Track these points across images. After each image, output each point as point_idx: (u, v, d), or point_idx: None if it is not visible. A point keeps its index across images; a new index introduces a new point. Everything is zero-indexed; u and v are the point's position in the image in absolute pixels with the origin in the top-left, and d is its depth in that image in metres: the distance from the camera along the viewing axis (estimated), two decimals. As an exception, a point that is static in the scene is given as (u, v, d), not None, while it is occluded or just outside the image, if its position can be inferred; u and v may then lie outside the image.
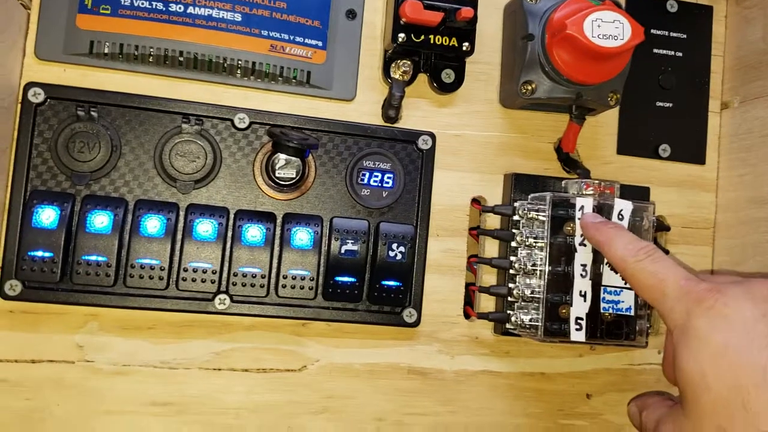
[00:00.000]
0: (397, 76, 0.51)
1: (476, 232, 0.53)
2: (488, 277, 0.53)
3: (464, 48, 0.50)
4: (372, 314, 0.50)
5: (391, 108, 0.51)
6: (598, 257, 0.49)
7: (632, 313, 0.50)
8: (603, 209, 0.50)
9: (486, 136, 0.54)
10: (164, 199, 0.48)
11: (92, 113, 0.47)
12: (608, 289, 0.50)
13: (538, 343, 0.53)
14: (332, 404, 0.50)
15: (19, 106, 0.47)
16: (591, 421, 0.54)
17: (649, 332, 0.51)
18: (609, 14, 0.47)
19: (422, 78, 0.52)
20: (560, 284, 0.49)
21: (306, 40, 0.51)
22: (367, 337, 0.51)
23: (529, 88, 0.50)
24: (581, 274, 0.49)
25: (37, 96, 0.47)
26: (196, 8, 0.49)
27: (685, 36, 0.57)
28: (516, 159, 0.54)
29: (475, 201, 0.53)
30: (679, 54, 0.57)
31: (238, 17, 0.49)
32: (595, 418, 0.54)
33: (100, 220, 0.46)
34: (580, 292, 0.49)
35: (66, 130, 0.46)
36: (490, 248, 0.53)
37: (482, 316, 0.51)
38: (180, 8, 0.49)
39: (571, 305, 0.49)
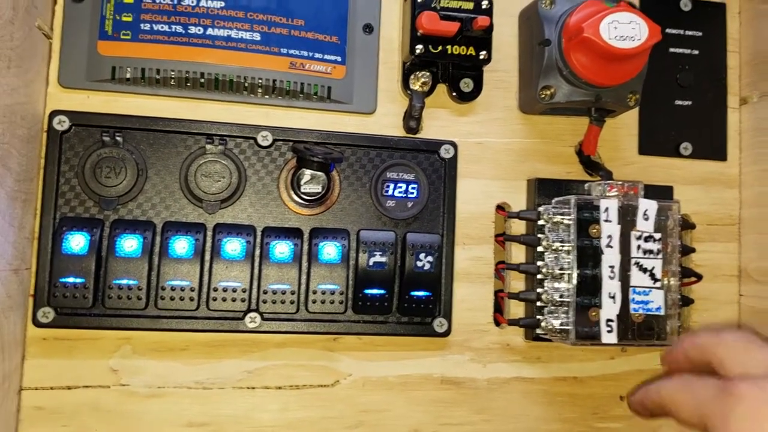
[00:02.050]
0: (416, 88, 0.51)
1: (502, 238, 0.53)
2: (516, 283, 0.53)
3: (482, 57, 0.50)
4: (403, 326, 0.50)
5: (412, 119, 0.51)
6: (625, 258, 0.49)
7: (662, 312, 0.50)
8: (628, 210, 0.50)
9: (507, 143, 0.54)
10: (191, 220, 0.48)
11: (117, 138, 0.47)
12: (637, 289, 0.50)
13: (569, 347, 0.53)
14: (367, 418, 0.50)
15: (45, 134, 0.47)
16: (626, 423, 0.54)
17: (680, 331, 0.51)
18: (625, 15, 0.47)
19: (441, 88, 0.53)
20: (589, 287, 0.49)
21: (325, 56, 0.51)
22: (398, 349, 0.51)
23: (548, 93, 0.51)
24: (609, 276, 0.49)
25: (62, 124, 0.47)
26: (215, 29, 0.49)
27: (700, 34, 0.57)
28: (538, 164, 0.54)
29: (500, 207, 0.53)
30: (696, 52, 0.57)
31: (257, 36, 0.50)
32: (630, 420, 0.54)
33: (130, 244, 0.46)
34: (610, 293, 0.49)
35: (92, 156, 0.47)
36: (517, 254, 0.53)
37: (513, 322, 0.51)
38: (199, 30, 0.49)
39: (601, 308, 0.49)
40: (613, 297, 0.49)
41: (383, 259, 0.49)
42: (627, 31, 0.47)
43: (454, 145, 0.52)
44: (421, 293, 0.49)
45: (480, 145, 0.53)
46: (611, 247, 0.49)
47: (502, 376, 0.52)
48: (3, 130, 0.42)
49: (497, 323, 0.52)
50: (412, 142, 0.52)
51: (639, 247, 0.50)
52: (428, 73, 0.51)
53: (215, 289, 0.47)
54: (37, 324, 0.46)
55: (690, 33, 0.57)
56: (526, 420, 0.52)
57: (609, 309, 0.49)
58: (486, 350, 0.52)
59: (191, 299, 0.46)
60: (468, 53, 0.50)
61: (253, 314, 0.48)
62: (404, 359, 0.51)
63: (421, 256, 0.49)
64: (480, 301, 0.52)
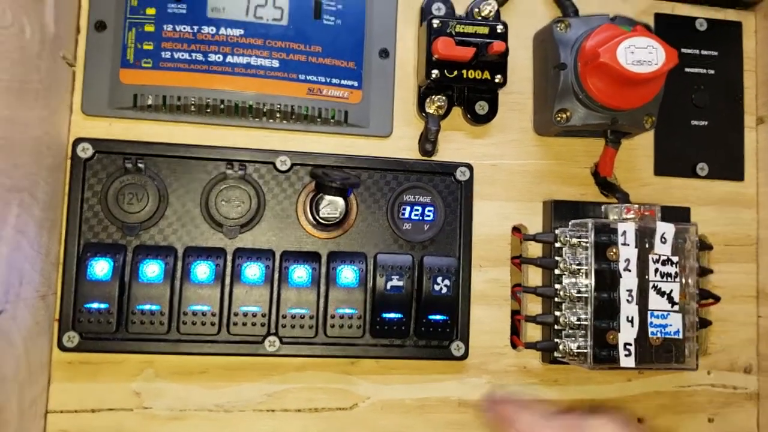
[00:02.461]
0: (432, 111, 0.52)
1: (518, 260, 0.53)
2: (533, 305, 0.53)
3: (497, 80, 0.51)
4: (420, 349, 0.50)
5: (428, 142, 0.52)
6: (643, 282, 0.49)
7: (681, 335, 0.50)
8: (645, 233, 0.50)
9: (522, 164, 0.54)
10: (212, 245, 0.49)
11: (139, 165, 0.48)
12: (655, 313, 0.50)
13: (585, 369, 0.53)
14: (386, 440, 0.50)
15: (69, 161, 0.48)
16: (644, 446, 0.54)
17: (698, 354, 0.51)
18: (642, 40, 0.47)
19: (456, 111, 0.53)
20: (607, 310, 0.49)
21: (342, 81, 0.52)
22: (415, 372, 0.51)
23: (564, 116, 0.51)
24: (627, 300, 0.49)
25: (85, 151, 0.48)
26: (235, 57, 0.50)
27: (716, 53, 0.57)
28: (553, 186, 0.54)
29: (516, 229, 0.54)
30: (711, 71, 0.57)
31: (276, 63, 0.51)
32: (649, 443, 0.54)
33: (152, 269, 0.47)
34: (628, 317, 0.49)
35: (115, 183, 0.48)
36: (533, 276, 0.53)
37: (530, 345, 0.51)
38: (219, 58, 0.50)
39: (619, 331, 0.49)
40: (631, 321, 0.49)
41: (400, 283, 0.49)
42: (644, 55, 0.47)
43: (469, 167, 0.52)
44: (438, 317, 0.50)
45: (495, 167, 0.54)
46: (629, 270, 0.49)
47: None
48: (32, 161, 0.43)
49: (514, 346, 0.53)
50: (428, 164, 0.52)
51: (657, 270, 0.50)
52: (444, 97, 0.52)
53: (236, 314, 0.47)
54: (63, 348, 0.46)
55: (706, 53, 0.57)
56: (543, 442, 0.52)
57: (627, 333, 0.49)
58: (503, 373, 0.52)
59: (212, 324, 0.47)
60: (483, 77, 0.51)
61: (272, 338, 0.49)
62: (421, 382, 0.51)
63: (438, 279, 0.50)
64: (497, 323, 0.52)
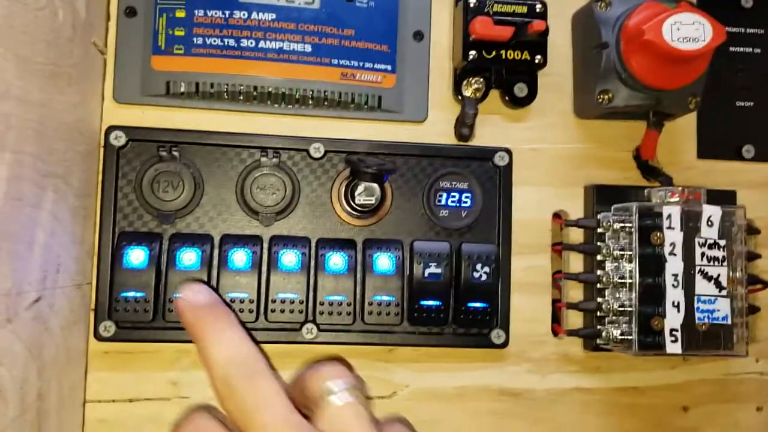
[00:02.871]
0: (469, 94, 0.51)
1: (559, 247, 0.52)
2: (574, 292, 0.52)
3: (537, 61, 0.50)
4: (459, 337, 0.49)
5: (465, 126, 0.50)
6: (689, 266, 0.48)
7: (729, 321, 0.48)
8: (691, 216, 0.48)
9: (563, 149, 0.53)
10: (248, 233, 0.48)
11: (174, 153, 0.47)
12: (702, 297, 0.48)
13: (628, 357, 0.51)
14: (425, 430, 0.49)
15: (101, 149, 0.48)
16: (690, 436, 0.52)
17: (747, 340, 0.49)
18: (688, 16, 0.45)
19: (494, 93, 0.52)
20: (652, 296, 0.48)
21: (375, 65, 0.51)
22: (455, 361, 0.50)
23: (606, 97, 0.49)
24: (673, 285, 0.48)
25: (118, 139, 0.47)
26: (267, 42, 0.49)
27: (762, 31, 0.55)
28: (594, 170, 0.53)
29: (556, 215, 0.52)
30: (758, 50, 0.55)
31: (308, 48, 0.50)
32: (695, 432, 0.52)
33: (188, 257, 0.46)
34: (673, 302, 0.48)
35: (149, 171, 0.47)
36: (574, 263, 0.52)
37: (572, 333, 0.50)
38: (251, 43, 0.49)
39: (665, 317, 0.48)
40: (677, 306, 0.48)
41: (438, 270, 0.48)
42: (690, 32, 0.45)
43: (508, 151, 0.51)
44: (477, 304, 0.48)
45: (535, 151, 0.52)
46: (674, 254, 0.48)
47: (561, 387, 0.51)
48: (66, 147, 0.42)
49: (555, 333, 0.51)
50: (465, 150, 0.51)
51: (703, 254, 0.48)
52: (481, 79, 0.50)
53: (273, 301, 0.47)
54: (99, 338, 0.46)
55: (751, 31, 0.55)
56: (586, 431, 0.51)
57: (673, 318, 0.48)
58: (544, 361, 0.51)
59: (250, 311, 0.46)
60: (523, 58, 0.49)
61: (309, 325, 0.48)
62: (461, 371, 0.50)
63: (478, 266, 0.48)
64: (537, 311, 0.51)
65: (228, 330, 0.34)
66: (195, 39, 0.49)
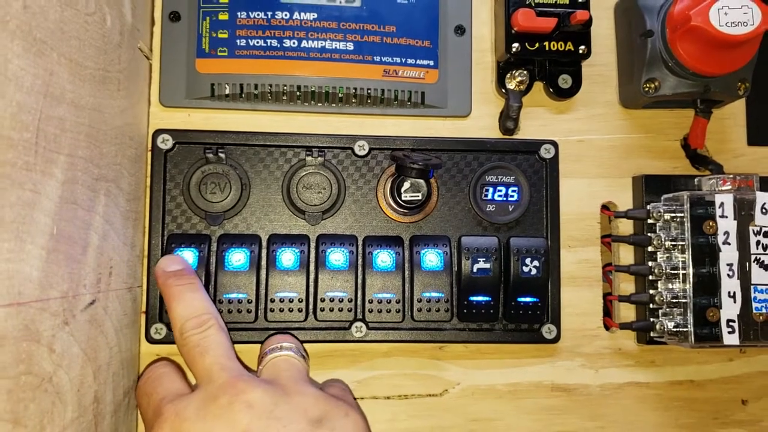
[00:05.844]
0: (512, 87, 0.50)
1: (609, 239, 0.51)
2: (625, 285, 0.51)
3: (581, 51, 0.49)
4: (510, 333, 0.49)
5: (509, 119, 0.50)
6: (744, 255, 0.47)
7: (788, 311, 0.47)
8: (744, 204, 0.47)
9: (609, 139, 0.52)
10: (295, 232, 0.48)
11: (220, 154, 0.48)
12: (759, 287, 0.47)
13: (683, 350, 0.50)
14: (478, 427, 0.49)
15: (149, 153, 0.48)
16: (750, 429, 0.51)
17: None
18: (735, 0, 0.45)
19: (537, 86, 0.51)
20: (706, 286, 0.47)
21: (418, 61, 0.50)
22: (506, 357, 0.50)
23: (653, 85, 0.49)
24: (728, 275, 0.47)
25: (165, 142, 0.48)
26: (310, 41, 0.49)
27: (811, 14, 0.54)
28: (642, 160, 0.52)
29: (605, 207, 0.51)
30: (807, 33, 0.54)
31: (351, 46, 0.50)
32: (755, 425, 0.51)
33: (237, 258, 0.46)
34: (729, 293, 0.47)
35: (197, 173, 0.48)
36: (624, 255, 0.51)
37: (625, 326, 0.49)
38: (294, 43, 0.49)
39: (720, 308, 0.47)
40: (733, 296, 0.47)
41: (487, 266, 0.48)
42: (738, 16, 0.44)
43: (554, 144, 0.50)
44: (528, 299, 0.48)
45: (581, 143, 0.51)
46: (729, 243, 0.47)
47: (615, 382, 0.50)
48: (116, 151, 0.43)
49: (607, 327, 0.51)
50: (510, 143, 0.50)
51: (759, 242, 0.47)
52: (525, 72, 0.50)
53: (322, 300, 0.47)
54: (150, 340, 0.46)
55: (800, 14, 0.54)
56: (642, 426, 0.50)
57: (729, 309, 0.46)
58: (597, 356, 0.50)
59: (300, 310, 0.46)
60: (567, 49, 0.49)
61: (359, 324, 0.48)
62: (512, 367, 0.50)
63: (527, 261, 0.48)
64: (588, 305, 0.50)
65: (189, 292, 0.42)
66: (238, 41, 0.49)
